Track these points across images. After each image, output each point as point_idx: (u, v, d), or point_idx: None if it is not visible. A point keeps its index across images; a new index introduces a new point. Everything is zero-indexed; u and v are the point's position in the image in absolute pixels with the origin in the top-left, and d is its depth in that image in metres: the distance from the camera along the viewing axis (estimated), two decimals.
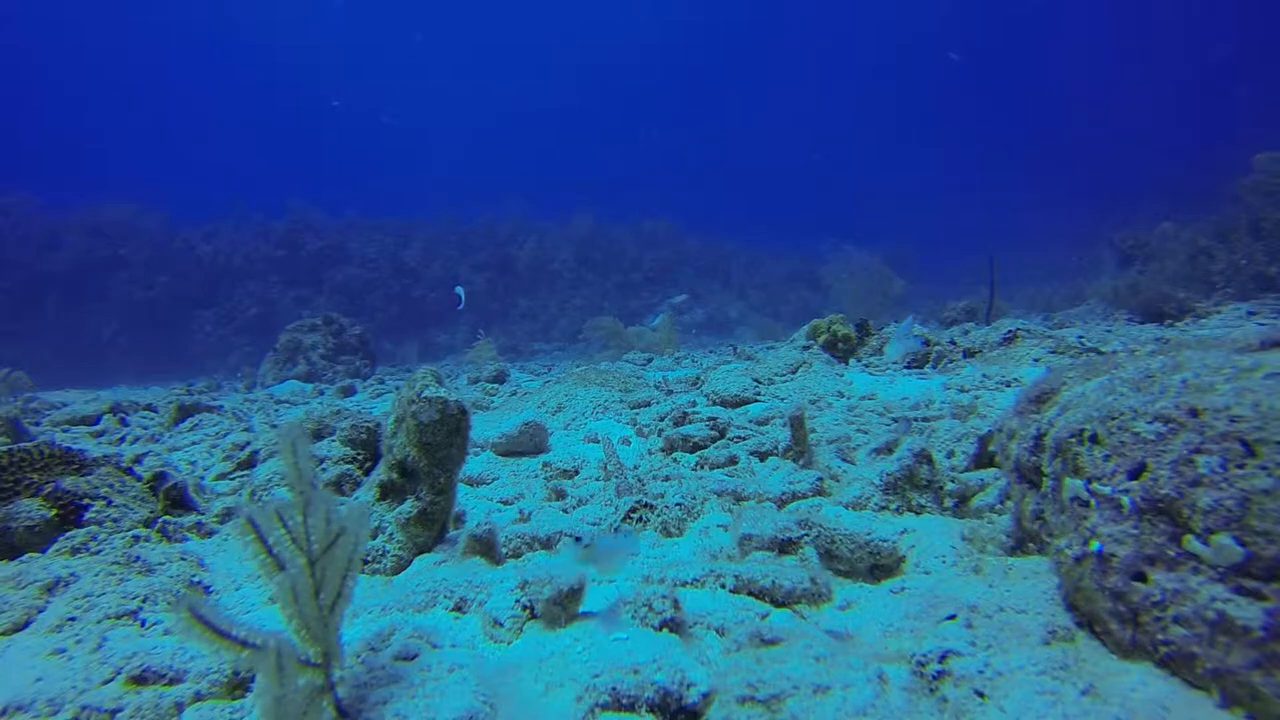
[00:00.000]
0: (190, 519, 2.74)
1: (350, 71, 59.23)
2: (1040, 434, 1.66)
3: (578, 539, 1.55)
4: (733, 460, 3.05)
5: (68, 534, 2.30)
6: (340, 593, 1.16)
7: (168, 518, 2.65)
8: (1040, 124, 51.74)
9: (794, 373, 5.45)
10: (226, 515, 2.85)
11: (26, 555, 2.18)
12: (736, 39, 60.23)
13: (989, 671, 1.24)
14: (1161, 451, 1.28)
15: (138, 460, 3.81)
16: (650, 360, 8.71)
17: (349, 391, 8.34)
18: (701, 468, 3.05)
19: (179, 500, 2.86)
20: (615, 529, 2.21)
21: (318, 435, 3.77)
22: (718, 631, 1.46)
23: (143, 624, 1.73)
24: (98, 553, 2.22)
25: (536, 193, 24.69)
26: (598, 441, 3.78)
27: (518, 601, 1.56)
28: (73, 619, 1.72)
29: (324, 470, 2.96)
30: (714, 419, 3.64)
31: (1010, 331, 5.53)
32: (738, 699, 1.15)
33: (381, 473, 2.24)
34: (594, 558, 1.53)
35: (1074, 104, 50.71)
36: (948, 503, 2.31)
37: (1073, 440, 1.47)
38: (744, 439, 3.38)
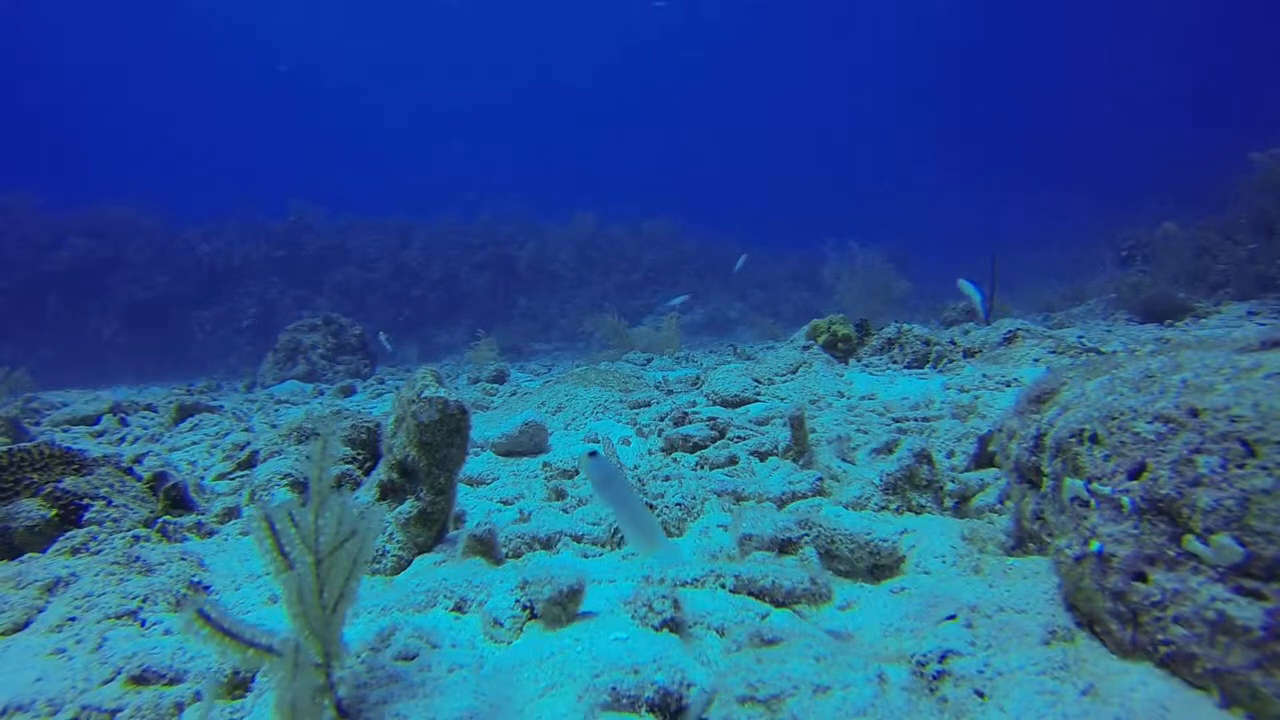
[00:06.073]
0: (190, 519, 2.74)
1: (351, 70, 59.31)
2: (1040, 434, 1.66)
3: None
4: (733, 460, 3.05)
5: (68, 534, 2.30)
6: (344, 593, 1.16)
7: (168, 518, 2.65)
8: (1040, 123, 51.78)
9: (794, 373, 5.45)
10: (227, 515, 2.85)
11: (26, 555, 2.18)
12: (735, 38, 60.25)
13: (989, 671, 1.24)
14: (1161, 451, 1.28)
15: (138, 460, 3.81)
16: (650, 360, 8.71)
17: (349, 391, 8.34)
18: (701, 468, 3.04)
19: (179, 500, 2.86)
20: (614, 531, 2.20)
21: (317, 435, 3.77)
22: (718, 631, 1.46)
23: (143, 624, 1.73)
24: (98, 553, 2.22)
25: (537, 193, 24.75)
26: (598, 441, 3.78)
27: (518, 601, 1.56)
28: (73, 619, 1.72)
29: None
30: (714, 419, 3.64)
31: (1010, 331, 5.53)
32: (738, 699, 1.15)
33: (381, 473, 2.24)
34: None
35: (1074, 103, 50.73)
36: (948, 503, 2.31)
37: (1073, 440, 1.47)
38: (744, 439, 3.38)
